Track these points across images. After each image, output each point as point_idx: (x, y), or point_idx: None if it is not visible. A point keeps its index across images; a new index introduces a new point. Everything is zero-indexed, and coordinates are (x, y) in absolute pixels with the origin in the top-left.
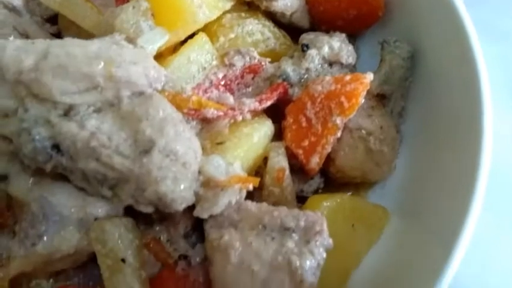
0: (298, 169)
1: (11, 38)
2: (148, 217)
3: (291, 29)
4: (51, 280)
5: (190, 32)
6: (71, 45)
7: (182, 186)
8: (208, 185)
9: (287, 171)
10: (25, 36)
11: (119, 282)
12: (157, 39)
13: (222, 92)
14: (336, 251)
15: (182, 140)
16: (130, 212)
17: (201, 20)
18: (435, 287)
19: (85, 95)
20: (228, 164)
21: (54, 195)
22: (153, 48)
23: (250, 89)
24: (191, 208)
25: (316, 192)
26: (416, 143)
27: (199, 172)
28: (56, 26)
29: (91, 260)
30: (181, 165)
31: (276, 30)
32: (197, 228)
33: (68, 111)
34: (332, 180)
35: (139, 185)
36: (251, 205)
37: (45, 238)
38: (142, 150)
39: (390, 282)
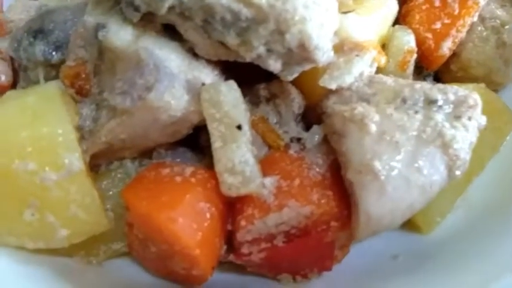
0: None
1: None
2: (254, 95)
3: None
4: (136, 162)
5: None
6: None
7: (329, 33)
8: (341, 49)
9: (415, 55)
10: None
11: (232, 152)
12: None
13: None
14: None
15: None
16: None
17: None
18: None
19: None
20: (364, 23)
21: (161, 48)
22: None
23: None
24: (306, 86)
25: None
26: None
27: None
28: None
29: (182, 142)
30: (325, 11)
31: None
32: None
33: None
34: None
35: (280, 25)
36: (386, 78)
37: (158, 87)
38: None
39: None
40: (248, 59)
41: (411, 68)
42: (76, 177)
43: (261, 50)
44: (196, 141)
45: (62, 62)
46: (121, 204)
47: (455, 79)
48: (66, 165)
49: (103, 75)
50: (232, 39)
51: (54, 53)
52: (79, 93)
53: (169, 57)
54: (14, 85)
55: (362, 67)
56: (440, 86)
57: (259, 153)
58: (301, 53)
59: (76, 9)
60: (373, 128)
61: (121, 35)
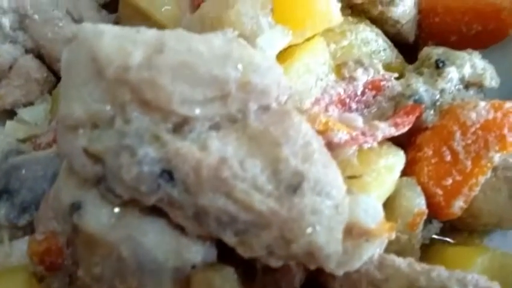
0: None
1: (61, 24)
2: (250, 268)
3: None
4: None
5: (314, 33)
6: (191, 39)
7: (338, 237)
8: (349, 233)
9: (425, 217)
10: (80, 23)
11: None
12: (277, 41)
13: (343, 112)
14: None
15: (331, 173)
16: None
17: (336, 19)
18: None
19: (208, 106)
20: (376, 206)
21: (145, 234)
22: (272, 51)
23: (370, 110)
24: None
25: (431, 238)
26: None
27: None
28: (115, 14)
29: None
30: (334, 209)
31: (388, 40)
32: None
33: (179, 126)
34: (451, 226)
35: (285, 233)
36: (399, 261)
37: None
38: (288, 185)
39: None
40: (245, 257)
41: (420, 227)
42: None
43: (262, 252)
44: None
45: (30, 222)
46: None
47: (465, 225)
48: None
49: (78, 248)
50: (228, 239)
51: (20, 215)
52: (49, 269)
53: (156, 245)
54: None
55: (373, 251)
56: (459, 275)
57: None
58: (309, 259)
59: (47, 161)
60: None
61: (99, 219)
